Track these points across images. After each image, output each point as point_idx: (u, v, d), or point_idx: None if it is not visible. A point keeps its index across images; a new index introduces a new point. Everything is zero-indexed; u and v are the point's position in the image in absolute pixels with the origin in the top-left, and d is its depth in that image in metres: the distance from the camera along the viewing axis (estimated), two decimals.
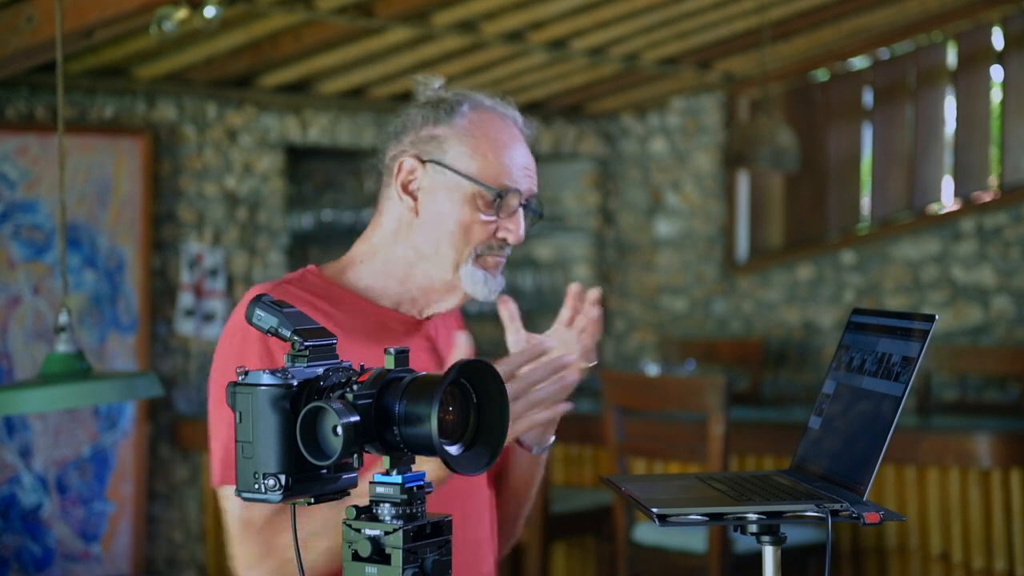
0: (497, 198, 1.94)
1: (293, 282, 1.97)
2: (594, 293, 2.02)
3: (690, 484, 1.90)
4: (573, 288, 2.02)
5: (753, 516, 1.70)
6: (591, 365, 2.00)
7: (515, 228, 1.96)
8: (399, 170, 1.97)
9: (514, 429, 1.85)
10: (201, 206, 5.43)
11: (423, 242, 1.96)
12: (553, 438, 2.04)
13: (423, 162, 1.96)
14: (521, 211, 1.97)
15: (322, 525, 1.78)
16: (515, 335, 1.96)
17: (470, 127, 1.96)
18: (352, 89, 5.75)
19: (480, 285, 1.96)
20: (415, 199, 1.97)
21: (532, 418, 1.86)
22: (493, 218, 1.95)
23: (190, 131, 5.42)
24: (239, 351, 1.89)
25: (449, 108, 1.97)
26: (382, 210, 2.01)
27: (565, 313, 2.01)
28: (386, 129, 2.03)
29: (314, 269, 2.02)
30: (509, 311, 1.96)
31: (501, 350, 1.97)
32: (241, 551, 1.85)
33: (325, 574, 1.81)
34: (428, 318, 2.04)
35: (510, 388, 1.81)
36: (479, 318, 6.61)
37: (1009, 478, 4.71)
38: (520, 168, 1.97)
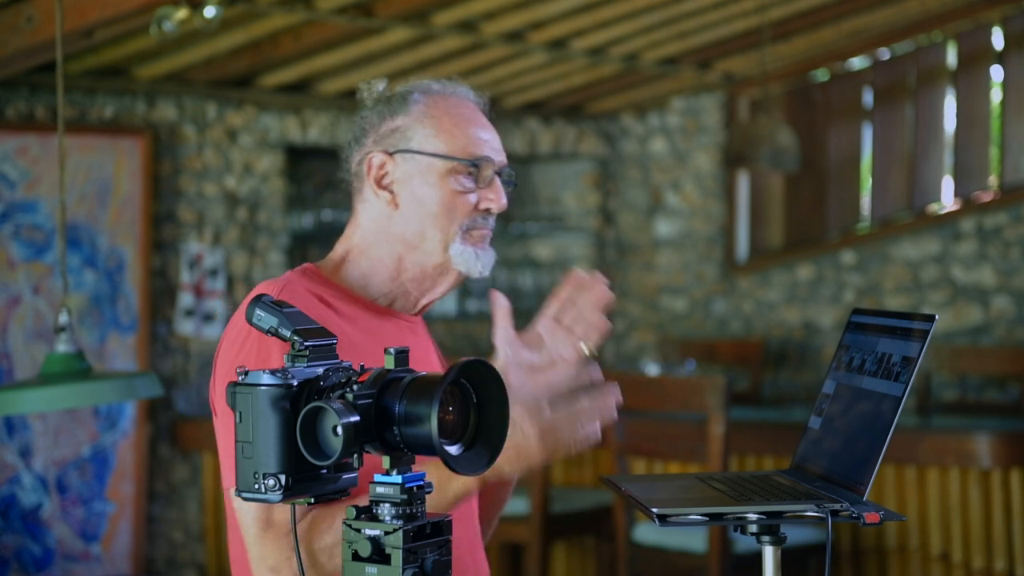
0: (473, 168, 1.95)
1: (296, 279, 1.94)
2: (598, 278, 1.85)
3: (690, 484, 1.90)
4: (572, 276, 1.87)
5: (753, 516, 1.70)
6: (592, 358, 1.85)
7: (495, 197, 1.96)
8: (369, 168, 1.98)
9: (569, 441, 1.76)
10: (201, 206, 5.43)
11: (408, 232, 1.96)
12: None
13: (391, 155, 1.97)
14: (498, 179, 1.97)
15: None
16: (504, 332, 1.83)
17: (427, 110, 1.97)
18: (352, 89, 5.74)
19: (472, 261, 1.96)
20: (391, 192, 1.97)
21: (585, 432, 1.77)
22: (472, 191, 1.96)
23: (190, 131, 5.42)
24: (257, 353, 1.82)
25: (402, 99, 1.99)
26: (358, 212, 2.01)
27: (552, 307, 1.85)
28: (346, 139, 2.04)
29: (311, 267, 2.00)
30: (502, 308, 1.85)
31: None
32: (264, 552, 1.77)
33: None
34: (419, 313, 2.03)
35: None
36: (479, 318, 6.63)
37: (1009, 478, 4.71)
38: (487, 139, 1.98)
